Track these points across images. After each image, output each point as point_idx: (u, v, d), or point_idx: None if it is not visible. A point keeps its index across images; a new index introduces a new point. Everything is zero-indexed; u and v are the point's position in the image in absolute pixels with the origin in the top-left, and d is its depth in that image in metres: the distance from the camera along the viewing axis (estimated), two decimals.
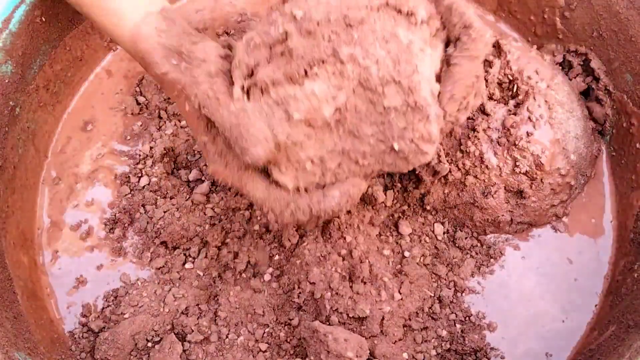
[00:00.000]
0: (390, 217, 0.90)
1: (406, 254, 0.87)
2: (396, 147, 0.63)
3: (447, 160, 0.86)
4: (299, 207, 0.67)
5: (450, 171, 0.86)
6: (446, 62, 0.66)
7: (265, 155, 0.62)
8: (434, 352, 0.82)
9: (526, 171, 0.85)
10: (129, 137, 0.99)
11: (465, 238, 0.89)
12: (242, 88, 0.64)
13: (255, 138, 0.62)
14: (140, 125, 0.99)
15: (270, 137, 0.62)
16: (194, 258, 0.89)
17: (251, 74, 0.64)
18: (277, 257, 0.87)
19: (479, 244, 0.89)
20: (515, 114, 0.85)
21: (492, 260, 0.89)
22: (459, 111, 0.68)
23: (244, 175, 0.69)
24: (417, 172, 0.88)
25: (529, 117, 0.85)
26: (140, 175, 0.95)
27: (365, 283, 0.83)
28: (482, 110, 0.87)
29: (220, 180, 0.71)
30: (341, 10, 0.60)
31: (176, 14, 0.72)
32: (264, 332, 0.84)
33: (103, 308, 0.87)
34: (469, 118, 0.86)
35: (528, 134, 0.84)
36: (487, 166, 0.85)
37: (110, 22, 0.72)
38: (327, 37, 0.59)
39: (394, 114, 0.61)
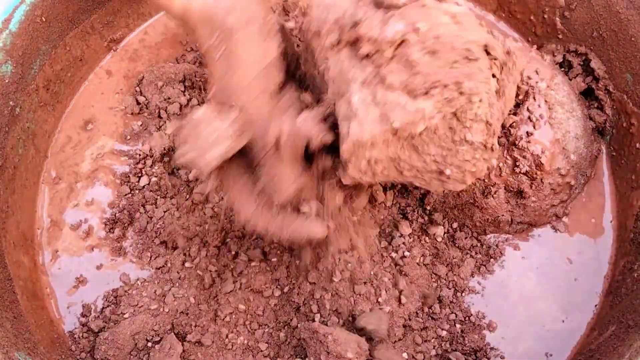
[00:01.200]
0: (390, 217, 0.90)
1: (406, 254, 0.87)
2: (447, 172, 0.66)
3: None
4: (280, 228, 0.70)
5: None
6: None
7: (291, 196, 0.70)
8: (434, 352, 0.82)
9: (526, 171, 0.85)
10: (129, 137, 0.99)
11: (465, 238, 0.89)
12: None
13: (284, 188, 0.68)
14: (140, 125, 0.99)
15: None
16: (193, 258, 0.89)
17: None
18: (275, 258, 0.87)
19: (479, 244, 0.89)
20: (515, 114, 0.85)
21: (492, 260, 0.89)
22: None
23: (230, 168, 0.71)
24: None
25: (529, 117, 0.85)
26: (140, 175, 0.95)
27: (365, 283, 0.83)
28: None
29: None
30: (464, 41, 0.61)
31: None
32: (264, 332, 0.84)
33: (103, 308, 0.87)
34: None
35: (528, 134, 0.84)
36: None
37: None
38: (450, 64, 0.61)
39: (466, 147, 0.64)
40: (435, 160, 0.65)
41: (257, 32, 0.72)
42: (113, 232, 0.92)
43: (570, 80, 0.96)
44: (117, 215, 0.92)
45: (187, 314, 0.85)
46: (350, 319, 0.82)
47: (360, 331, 0.81)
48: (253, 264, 0.87)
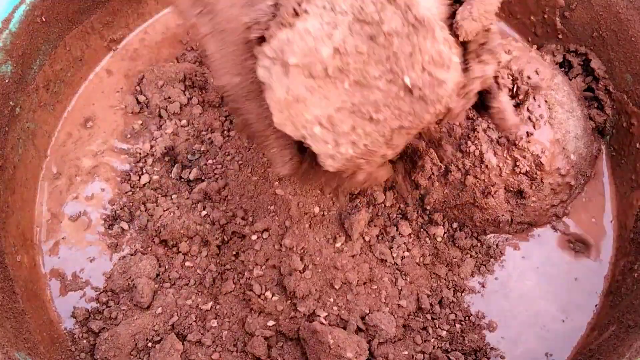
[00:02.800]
0: (390, 217, 0.90)
1: (406, 254, 0.87)
2: (408, 81, 0.57)
3: (447, 160, 0.87)
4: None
5: (450, 171, 0.86)
6: None
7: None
8: (434, 352, 0.82)
9: (526, 171, 0.85)
10: (129, 136, 0.99)
11: (465, 238, 0.89)
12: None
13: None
14: (141, 124, 1.00)
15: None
16: (193, 257, 0.89)
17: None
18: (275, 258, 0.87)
19: (479, 244, 0.89)
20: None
21: (492, 260, 0.89)
22: (482, 61, 0.65)
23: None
24: (413, 178, 0.88)
25: (529, 117, 0.85)
26: (140, 173, 0.95)
27: (365, 283, 0.83)
28: None
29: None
30: None
31: None
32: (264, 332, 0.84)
33: (103, 308, 0.87)
34: (468, 118, 0.86)
35: (528, 134, 0.84)
36: (487, 166, 0.85)
37: None
38: None
39: (397, 41, 0.56)
40: (389, 80, 0.58)
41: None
42: (112, 229, 0.92)
43: (570, 80, 0.96)
44: (117, 212, 0.92)
45: (187, 313, 0.84)
46: (350, 319, 0.82)
47: (364, 330, 0.81)
48: (253, 262, 0.87)
